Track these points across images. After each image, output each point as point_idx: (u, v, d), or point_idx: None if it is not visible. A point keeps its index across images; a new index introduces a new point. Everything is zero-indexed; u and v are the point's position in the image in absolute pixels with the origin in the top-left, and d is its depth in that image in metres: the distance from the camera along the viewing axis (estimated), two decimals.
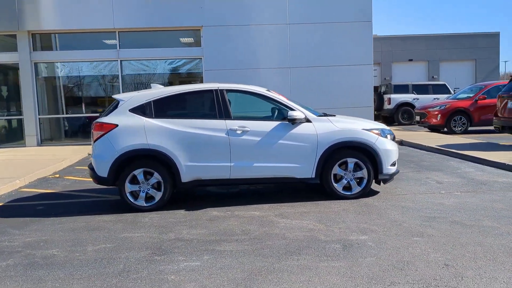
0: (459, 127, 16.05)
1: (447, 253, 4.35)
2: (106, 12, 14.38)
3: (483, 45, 47.31)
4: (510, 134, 11.96)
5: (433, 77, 43.12)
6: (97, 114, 15.29)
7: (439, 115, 16.15)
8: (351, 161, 6.56)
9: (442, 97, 22.67)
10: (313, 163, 6.49)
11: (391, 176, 6.73)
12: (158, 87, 7.12)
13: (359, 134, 6.56)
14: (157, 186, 6.37)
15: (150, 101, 6.48)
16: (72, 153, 12.62)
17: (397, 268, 4.05)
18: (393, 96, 22.30)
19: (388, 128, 6.97)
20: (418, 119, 17.08)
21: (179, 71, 15.76)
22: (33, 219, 6.17)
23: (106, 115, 6.50)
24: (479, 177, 7.93)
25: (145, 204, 6.36)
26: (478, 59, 46.61)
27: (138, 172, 6.31)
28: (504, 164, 8.57)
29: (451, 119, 16.06)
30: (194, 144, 6.33)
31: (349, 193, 6.61)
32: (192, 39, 15.32)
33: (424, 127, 17.26)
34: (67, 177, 9.46)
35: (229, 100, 6.56)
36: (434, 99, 22.33)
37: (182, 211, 6.29)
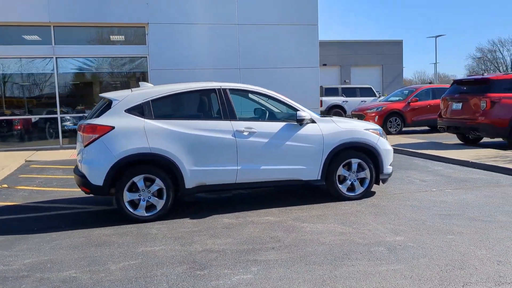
0: (394, 128, 16.92)
1: (491, 250, 4.44)
2: (40, 4, 13.06)
3: (389, 52, 50.71)
4: (453, 133, 12.83)
5: (345, 81, 45.38)
6: (30, 116, 13.89)
7: (377, 116, 16.90)
8: (355, 162, 6.53)
9: (368, 100, 23.88)
10: (319, 165, 6.36)
11: (389, 176, 6.81)
12: (148, 86, 6.56)
13: (362, 135, 6.55)
14: (158, 194, 5.83)
15: (149, 101, 5.92)
16: (6, 160, 11.26)
17: (457, 268, 4.04)
18: (324, 98, 23.03)
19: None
20: None
21: (122, 70, 14.81)
22: (15, 237, 5.33)
23: (98, 115, 5.82)
24: (454, 174, 8.34)
25: (145, 214, 5.79)
26: (385, 65, 49.87)
27: (138, 179, 5.72)
28: (468, 161, 9.11)
29: (387, 121, 16.88)
30: (199, 147, 5.89)
31: (353, 194, 6.57)
32: (136, 36, 14.45)
33: None
34: (19, 187, 8.38)
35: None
36: (362, 101, 23.46)
37: (188, 220, 5.82)
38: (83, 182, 5.69)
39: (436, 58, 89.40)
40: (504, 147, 11.22)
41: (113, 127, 5.65)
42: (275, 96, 6.48)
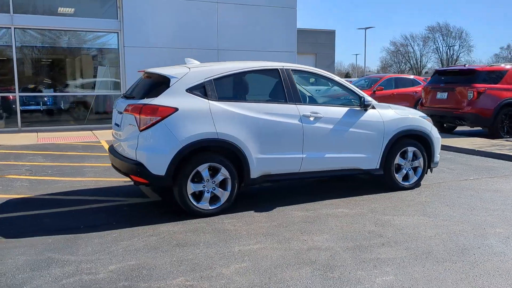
0: None
1: None
2: None
3: (322, 41, 51.71)
4: (435, 121, 13.16)
5: None
6: None
7: None
8: (410, 150, 6.31)
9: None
10: (379, 153, 6.05)
11: (437, 165, 6.69)
12: (194, 62, 5.82)
13: (419, 122, 6.34)
14: (222, 185, 5.20)
15: (211, 80, 5.22)
16: None
17: None
18: None
19: None
20: None
21: (90, 46, 13.46)
22: (66, 237, 4.47)
23: (154, 95, 5.02)
24: (472, 162, 8.44)
25: (210, 207, 5.14)
26: (318, 53, 50.81)
27: (203, 168, 5.05)
28: (474, 150, 9.32)
29: None
30: (267, 133, 5.32)
31: (407, 183, 6.36)
32: (108, 10, 13.14)
33: None
34: (9, 176, 7.21)
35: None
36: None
37: (254, 213, 5.26)
38: (139, 171, 4.90)
39: (365, 50, 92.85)
40: (479, 135, 11.73)
41: (176, 109, 4.91)
42: (337, 79, 6.04)
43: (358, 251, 4.14)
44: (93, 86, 13.83)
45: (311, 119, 5.57)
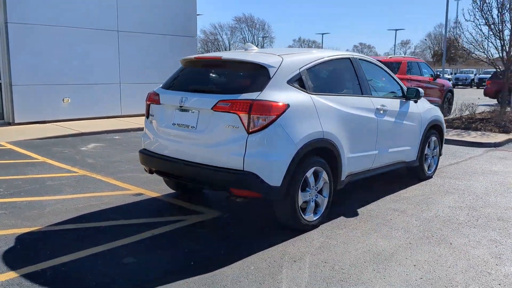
0: None
1: None
2: None
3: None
4: None
5: None
6: None
7: None
8: (433, 140, 6.49)
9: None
10: (418, 144, 6.08)
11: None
12: (254, 48, 4.93)
13: (438, 112, 6.56)
14: (320, 190, 4.56)
15: (305, 70, 4.48)
16: None
17: None
18: None
19: None
20: None
21: None
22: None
23: (258, 89, 4.05)
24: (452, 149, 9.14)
25: (313, 218, 4.45)
26: None
27: (310, 174, 4.33)
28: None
29: None
30: (355, 130, 4.84)
31: (430, 173, 6.55)
32: None
33: None
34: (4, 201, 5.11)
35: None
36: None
37: (345, 218, 4.75)
38: (251, 183, 3.93)
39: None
40: None
41: (288, 105, 4.07)
42: (387, 70, 5.80)
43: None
44: None
45: (381, 112, 5.27)
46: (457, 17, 37.69)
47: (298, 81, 4.33)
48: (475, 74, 46.20)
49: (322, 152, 4.42)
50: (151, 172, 4.81)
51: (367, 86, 5.21)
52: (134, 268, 3.53)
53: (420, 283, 3.37)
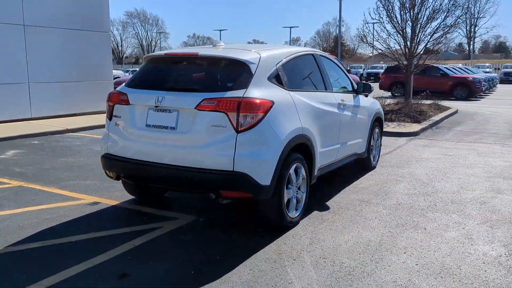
0: None
1: None
2: None
3: None
4: None
5: None
6: None
7: None
8: (376, 131, 6.84)
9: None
10: (367, 136, 6.37)
11: None
12: (220, 43, 4.78)
13: (379, 105, 6.91)
14: (299, 187, 4.58)
15: (281, 66, 4.44)
16: None
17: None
18: None
19: None
20: None
21: None
22: None
23: (242, 86, 3.93)
24: None
25: (296, 215, 4.46)
26: None
27: (292, 170, 4.32)
28: None
29: None
30: (324, 125, 4.92)
31: (375, 162, 6.90)
32: None
33: None
34: None
35: None
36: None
37: (319, 212, 4.84)
38: (242, 183, 3.81)
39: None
40: None
41: (273, 102, 4.02)
42: (341, 66, 5.96)
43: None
44: None
45: (342, 107, 5.42)
46: (340, 16, 40.17)
47: (276, 78, 4.29)
48: (364, 69, 49.44)
49: (300, 148, 4.43)
50: (117, 178, 4.45)
51: (329, 81, 5.33)
52: (133, 283, 3.24)
53: (419, 268, 3.53)
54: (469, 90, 23.02)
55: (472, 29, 79.60)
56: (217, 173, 3.83)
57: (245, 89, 3.90)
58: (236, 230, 4.32)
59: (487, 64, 50.96)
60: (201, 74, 4.33)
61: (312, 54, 5.24)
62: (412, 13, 14.08)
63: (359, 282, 3.30)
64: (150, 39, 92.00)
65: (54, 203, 5.04)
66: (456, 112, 15.05)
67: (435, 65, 19.16)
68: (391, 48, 14.74)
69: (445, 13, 14.09)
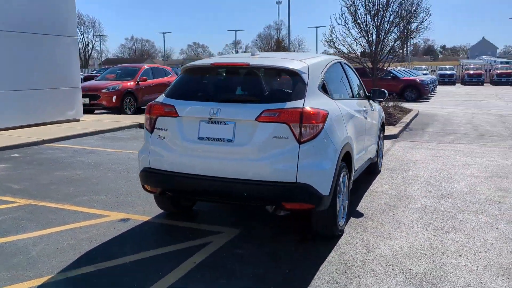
0: (129, 108, 16.15)
1: None
2: None
3: None
4: None
5: None
6: None
7: (114, 96, 15.60)
8: (380, 136, 7.00)
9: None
10: (377, 141, 6.51)
11: None
12: (257, 52, 4.72)
13: (382, 110, 7.08)
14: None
15: (324, 75, 4.45)
16: None
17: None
18: None
19: None
20: (88, 101, 15.57)
21: None
22: None
23: (299, 96, 3.90)
24: None
25: (342, 223, 4.48)
26: None
27: (341, 179, 4.34)
28: None
29: (123, 101, 15.91)
30: (357, 132, 4.98)
31: (380, 166, 7.07)
32: None
33: (98, 109, 16.01)
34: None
35: None
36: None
37: (357, 219, 4.90)
38: (306, 195, 3.79)
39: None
40: None
41: (327, 112, 4.02)
42: (355, 72, 6.03)
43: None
44: None
45: (365, 113, 5.52)
46: (289, 18, 41.16)
47: (323, 87, 4.30)
48: None
49: (344, 157, 4.46)
50: (162, 193, 4.27)
51: (355, 88, 5.41)
52: None
53: (483, 271, 3.66)
54: (418, 92, 24.18)
55: (405, 33, 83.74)
56: (280, 185, 3.78)
57: (303, 100, 3.88)
58: (285, 241, 4.27)
59: (424, 66, 53.51)
60: (255, 85, 4.24)
61: (340, 62, 5.29)
62: (376, 19, 14.59)
63: None
64: (87, 42, 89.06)
65: (79, 222, 4.74)
66: (417, 114, 15.72)
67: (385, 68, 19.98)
68: (355, 52, 15.21)
69: (408, 19, 14.77)
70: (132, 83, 16.41)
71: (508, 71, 44.71)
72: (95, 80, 17.84)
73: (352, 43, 15.13)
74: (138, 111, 16.53)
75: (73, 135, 10.20)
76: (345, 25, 14.95)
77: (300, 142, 3.76)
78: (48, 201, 5.43)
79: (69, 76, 12.43)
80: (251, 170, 3.82)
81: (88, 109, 15.07)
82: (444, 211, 5.15)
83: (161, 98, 4.31)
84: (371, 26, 14.69)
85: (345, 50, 15.32)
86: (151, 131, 4.25)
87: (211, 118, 3.93)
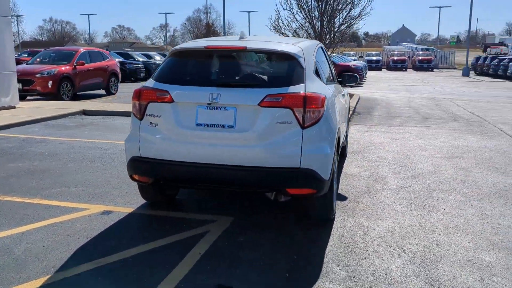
0: (66, 93, 15.24)
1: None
2: None
3: None
4: None
5: None
6: None
7: (51, 81, 14.61)
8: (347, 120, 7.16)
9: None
10: (347, 125, 6.63)
11: None
12: (246, 35, 4.58)
13: None
14: None
15: (315, 59, 4.43)
16: None
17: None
18: None
19: None
20: (21, 87, 14.42)
21: None
22: None
23: (300, 81, 3.85)
24: None
25: (335, 206, 4.53)
26: None
27: (335, 162, 4.37)
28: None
29: (60, 86, 14.96)
30: (341, 115, 5.05)
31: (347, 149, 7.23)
32: None
33: (32, 95, 14.91)
34: None
35: None
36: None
37: (342, 202, 4.99)
38: (309, 179, 3.77)
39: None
40: None
41: (325, 97, 4.01)
42: (329, 56, 6.06)
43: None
44: None
45: (343, 97, 5.60)
46: (224, 1, 40.68)
47: (316, 71, 4.27)
48: None
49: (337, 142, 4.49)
50: (156, 182, 4.06)
51: (333, 73, 5.45)
52: None
53: (475, 246, 3.87)
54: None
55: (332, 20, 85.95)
56: (284, 171, 3.73)
57: (303, 84, 3.84)
58: (282, 227, 4.25)
59: (352, 53, 55.27)
60: (254, 68, 4.12)
61: (321, 46, 5.29)
62: (320, 5, 14.81)
63: (442, 265, 3.51)
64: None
65: (57, 216, 4.40)
66: (359, 98, 16.25)
67: None
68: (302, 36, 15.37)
69: (350, 5, 15.14)
70: (68, 67, 15.45)
71: (429, 57, 47.60)
72: (26, 64, 16.58)
73: (297, 28, 15.30)
74: (75, 97, 15.67)
75: (14, 124, 9.45)
76: (290, 10, 15.08)
77: (303, 127, 3.72)
78: (13, 196, 4.99)
79: (3, 59, 11.46)
80: (254, 156, 3.73)
81: (21, 95, 13.97)
82: (420, 191, 5.37)
83: (150, 82, 4.07)
84: (316, 11, 14.94)
85: (291, 35, 15.44)
86: (141, 118, 4.01)
87: (210, 104, 3.77)
